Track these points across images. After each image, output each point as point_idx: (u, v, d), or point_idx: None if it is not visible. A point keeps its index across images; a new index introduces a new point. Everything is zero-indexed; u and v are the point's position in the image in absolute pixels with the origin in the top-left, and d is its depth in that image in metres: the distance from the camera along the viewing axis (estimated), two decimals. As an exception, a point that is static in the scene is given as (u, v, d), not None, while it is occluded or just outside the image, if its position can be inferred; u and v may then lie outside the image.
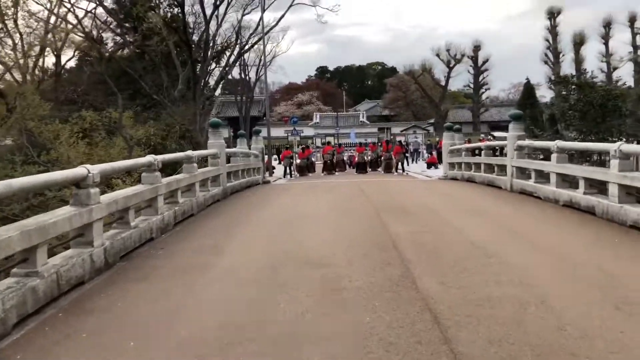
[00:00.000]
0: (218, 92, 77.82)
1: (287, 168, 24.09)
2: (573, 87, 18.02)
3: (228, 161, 14.99)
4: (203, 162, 12.63)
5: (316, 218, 8.92)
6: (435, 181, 17.69)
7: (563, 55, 66.00)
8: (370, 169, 26.19)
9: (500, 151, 19.34)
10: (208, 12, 29.20)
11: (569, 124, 18.22)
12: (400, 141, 25.89)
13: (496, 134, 45.88)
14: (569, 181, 9.80)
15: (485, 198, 11.13)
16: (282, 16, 33.55)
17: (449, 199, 11.07)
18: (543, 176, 10.87)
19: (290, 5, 32.84)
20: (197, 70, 26.86)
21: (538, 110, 38.20)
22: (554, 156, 9.77)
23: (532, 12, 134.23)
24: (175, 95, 28.36)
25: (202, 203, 10.15)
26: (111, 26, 31.14)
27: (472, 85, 70.97)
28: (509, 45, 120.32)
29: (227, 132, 43.35)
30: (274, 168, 26.32)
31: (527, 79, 40.42)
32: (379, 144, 36.11)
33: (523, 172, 11.95)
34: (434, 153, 30.91)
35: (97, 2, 29.03)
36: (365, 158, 25.81)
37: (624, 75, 77.34)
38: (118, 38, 32.62)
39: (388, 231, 7.27)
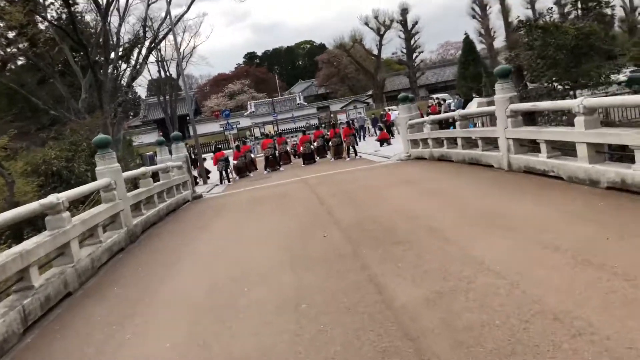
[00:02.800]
0: (144, 94, 72.53)
1: (222, 172, 20.54)
2: (538, 31, 15.46)
3: (136, 186, 11.51)
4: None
5: (263, 281, 5.67)
6: (399, 165, 14.76)
7: (490, 7, 65.24)
8: (318, 157, 23.06)
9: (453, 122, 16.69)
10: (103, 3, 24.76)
11: (538, 74, 15.71)
12: (348, 122, 22.85)
13: (435, 96, 43.82)
14: (602, 152, 7.05)
15: (489, 189, 8.21)
16: (193, 1, 29.40)
17: (439, 198, 8.07)
18: (556, 148, 8.10)
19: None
20: (99, 74, 22.57)
21: (481, 66, 36.17)
22: (579, 119, 6.93)
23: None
24: (79, 107, 24.00)
25: (85, 269, 6.69)
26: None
27: (404, 51, 68.95)
28: (430, 6, 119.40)
29: (155, 137, 39.06)
30: (208, 172, 22.69)
31: (466, 33, 38.17)
32: (322, 125, 33.09)
33: (523, 145, 9.16)
34: (381, 127, 28.17)
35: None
36: (312, 147, 22.60)
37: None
38: (4, 50, 27.58)
39: (392, 307, 4.15)
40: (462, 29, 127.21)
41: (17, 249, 5.46)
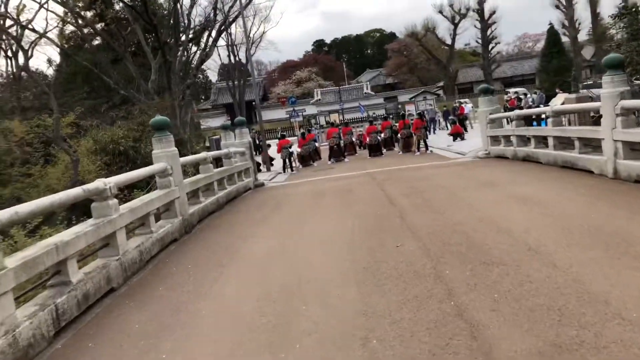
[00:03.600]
0: (215, 78, 73.65)
1: (286, 160, 19.93)
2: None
3: (197, 171, 11.02)
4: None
5: (323, 298, 4.85)
6: (476, 163, 13.48)
7: (575, -4, 60.71)
8: (385, 149, 21.98)
9: (537, 119, 15.09)
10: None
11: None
12: (420, 113, 21.55)
13: (513, 90, 41.15)
14: None
15: (595, 200, 6.89)
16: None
17: (534, 208, 6.85)
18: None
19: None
20: (169, 55, 22.56)
21: (566, 59, 33.51)
22: None
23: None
24: (149, 88, 24.18)
25: (131, 263, 6.12)
26: (68, 18, 26.76)
27: (479, 41, 65.76)
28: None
29: (224, 120, 39.24)
30: (272, 160, 22.18)
31: (550, 23, 35.46)
32: (390, 116, 31.80)
33: (635, 149, 7.75)
34: (454, 121, 26.58)
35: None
36: (379, 138, 21.53)
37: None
38: (81, 30, 28.30)
39: None
40: (541, 21, 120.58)
41: (53, 239, 4.92)
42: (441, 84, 67.59)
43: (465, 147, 18.87)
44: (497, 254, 5.03)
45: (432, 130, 30.55)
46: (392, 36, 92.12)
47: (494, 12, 62.13)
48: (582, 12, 61.03)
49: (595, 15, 60.98)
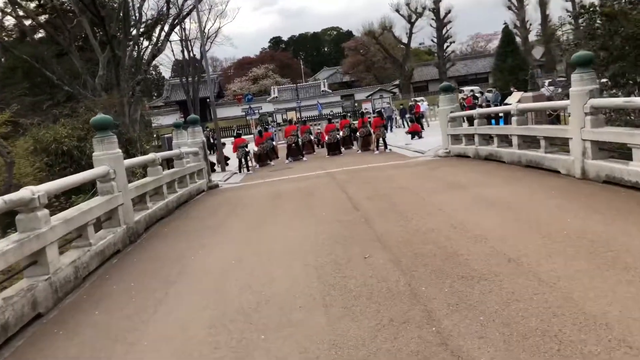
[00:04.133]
0: (168, 75, 71.43)
1: (242, 160, 19.15)
2: (601, 18, 13.62)
3: (145, 173, 10.21)
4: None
5: (285, 324, 4.27)
6: (438, 162, 13.19)
7: (527, -2, 62.30)
8: (344, 148, 21.55)
9: (495, 118, 15.01)
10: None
11: (599, 68, 13.88)
12: (380, 111, 21.22)
13: (469, 88, 41.65)
14: None
15: (566, 203, 6.54)
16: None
17: (505, 211, 6.48)
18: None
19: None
20: (117, 49, 21.29)
21: (520, 58, 34.06)
22: None
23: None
24: (96, 84, 22.81)
25: (64, 282, 5.35)
26: (8, 9, 24.92)
27: (435, 40, 66.60)
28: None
29: (176, 118, 37.84)
30: (227, 159, 21.31)
31: (505, 23, 36.10)
32: (348, 114, 31.45)
33: (602, 149, 7.54)
34: (412, 119, 26.48)
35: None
36: (338, 136, 21.08)
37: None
38: (22, 22, 26.43)
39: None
40: (492, 21, 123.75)
41: (-39, 263, 4.13)
42: (397, 82, 68.06)
43: (424, 145, 18.66)
44: (476, 266, 4.58)
45: (389, 128, 30.43)
46: (349, 34, 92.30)
47: (449, 12, 63.04)
48: (532, 13, 62.96)
49: (545, 17, 62.97)
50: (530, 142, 10.15)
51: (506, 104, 21.36)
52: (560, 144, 8.79)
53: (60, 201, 9.05)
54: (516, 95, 23.78)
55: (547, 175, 8.61)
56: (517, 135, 10.16)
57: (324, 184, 11.59)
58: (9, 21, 27.35)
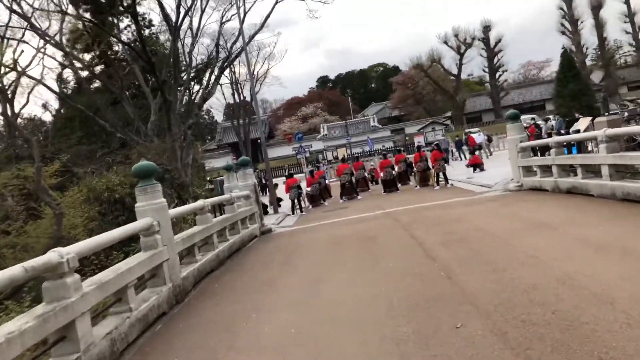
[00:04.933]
0: (220, 118, 73.09)
1: (295, 201, 18.40)
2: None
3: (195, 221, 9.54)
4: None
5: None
6: (511, 197, 11.88)
7: (582, 22, 60.10)
8: (400, 184, 20.46)
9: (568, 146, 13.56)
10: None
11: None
12: (438, 144, 20.09)
13: (529, 116, 39.74)
14: None
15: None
16: (269, 15, 28.04)
17: (625, 261, 5.24)
18: None
19: (277, 3, 27.28)
20: (168, 94, 21.41)
21: (583, 82, 32.20)
22: None
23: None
24: (148, 130, 22.99)
25: (99, 358, 4.56)
26: (66, 62, 25.88)
27: (486, 70, 65.09)
28: (506, 26, 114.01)
29: (229, 160, 37.91)
30: (280, 200, 20.64)
31: (564, 47, 34.48)
32: (402, 149, 30.41)
33: None
34: (472, 151, 25.15)
35: (46, 39, 23.85)
36: (394, 173, 20.04)
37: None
38: (78, 74, 27.40)
39: None
40: (542, 49, 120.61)
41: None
42: (449, 114, 66.59)
43: (488, 178, 17.34)
44: (613, 341, 3.43)
45: (446, 161, 29.07)
46: (395, 69, 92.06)
47: (499, 40, 61.73)
48: (589, 37, 60.47)
49: (602, 40, 60.41)
50: (623, 171, 8.81)
51: (574, 132, 19.76)
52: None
53: (99, 259, 8.45)
54: (584, 122, 22.12)
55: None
56: (608, 164, 8.83)
57: (385, 226, 10.56)
58: (68, 73, 28.50)
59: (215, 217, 10.70)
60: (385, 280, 6.00)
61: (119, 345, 5.04)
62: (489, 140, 31.48)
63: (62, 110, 28.98)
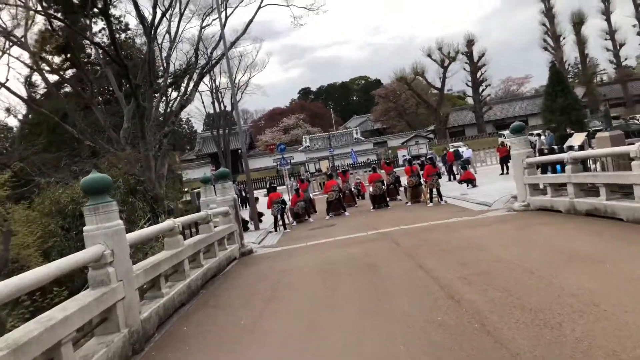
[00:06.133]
0: (200, 128, 71.33)
1: (277, 217, 16.97)
2: None
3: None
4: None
5: None
6: (522, 219, 10.71)
7: (564, 38, 60.41)
8: (389, 199, 19.22)
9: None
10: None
11: None
12: (431, 158, 18.95)
13: (506, 132, 39.11)
14: None
15: None
16: (251, 20, 26.86)
17: None
18: None
19: (260, 7, 26.09)
20: (142, 100, 19.89)
21: (572, 97, 31.62)
22: None
23: (500, 10, 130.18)
24: (120, 137, 21.40)
25: None
26: (31, 64, 24.18)
27: (469, 84, 64.83)
28: (486, 42, 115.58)
29: (208, 171, 36.22)
30: (261, 215, 19.14)
31: (552, 62, 33.79)
32: (386, 161, 29.29)
33: None
34: (464, 166, 24.09)
35: (11, 38, 22.20)
36: (383, 187, 18.80)
37: (631, 50, 71.65)
38: (45, 78, 25.64)
39: None
40: (521, 65, 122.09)
41: None
42: (432, 127, 66.06)
43: (484, 195, 16.25)
44: None
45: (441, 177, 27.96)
46: (377, 83, 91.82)
47: (482, 55, 61.56)
48: (570, 52, 60.78)
49: (583, 56, 60.70)
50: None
51: (568, 147, 18.83)
52: None
53: (35, 298, 6.93)
54: (579, 137, 21.23)
55: None
56: (635, 185, 7.71)
57: (384, 250, 9.25)
58: (38, 77, 26.75)
59: (187, 237, 9.28)
60: (401, 332, 4.67)
61: None
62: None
63: (29, 116, 27.14)
